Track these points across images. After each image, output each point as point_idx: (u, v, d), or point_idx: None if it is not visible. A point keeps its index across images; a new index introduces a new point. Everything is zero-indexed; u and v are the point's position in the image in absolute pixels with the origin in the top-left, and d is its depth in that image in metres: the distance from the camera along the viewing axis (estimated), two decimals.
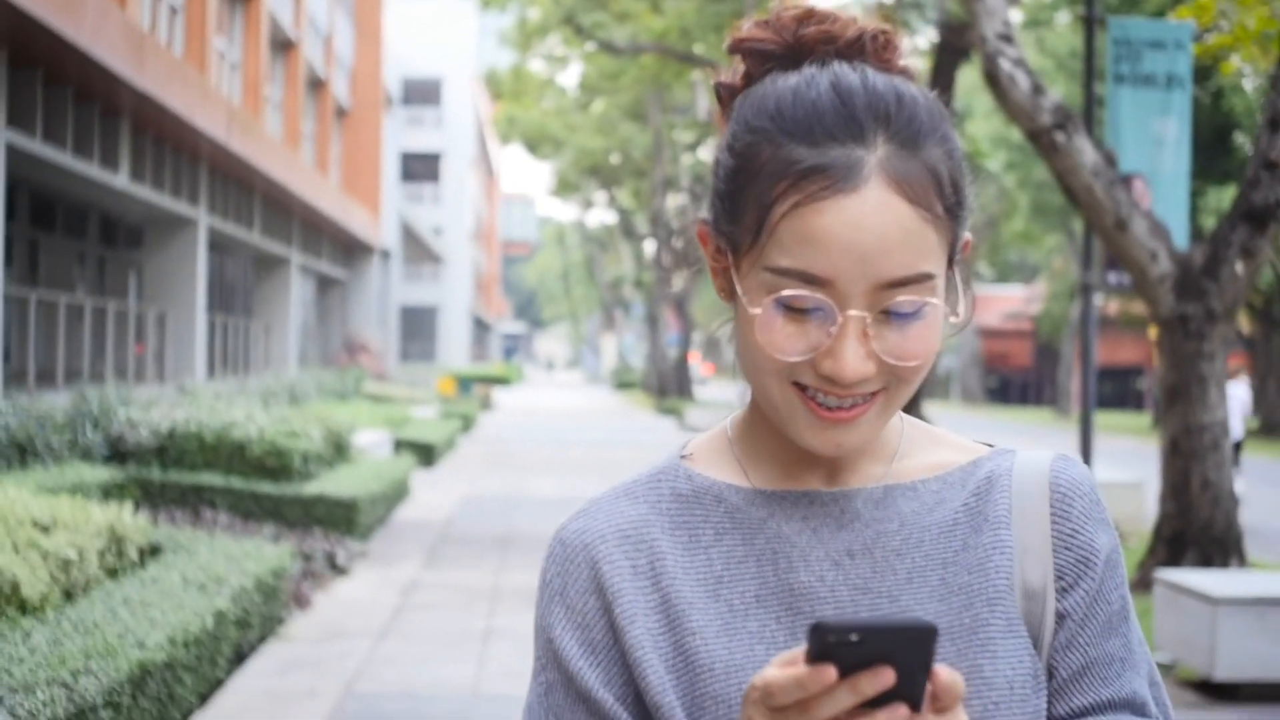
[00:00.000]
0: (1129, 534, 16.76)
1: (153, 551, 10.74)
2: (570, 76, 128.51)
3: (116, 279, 29.49)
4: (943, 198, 1.52)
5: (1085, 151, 12.89)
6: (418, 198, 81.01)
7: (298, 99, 39.69)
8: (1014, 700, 1.56)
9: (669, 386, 61.20)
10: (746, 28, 1.64)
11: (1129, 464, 28.58)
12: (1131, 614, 1.67)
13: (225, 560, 10.50)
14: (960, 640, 1.58)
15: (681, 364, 61.73)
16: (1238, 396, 22.58)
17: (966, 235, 1.61)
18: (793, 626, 1.59)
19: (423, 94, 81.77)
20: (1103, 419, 50.79)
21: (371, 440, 23.48)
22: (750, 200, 1.54)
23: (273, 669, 9.92)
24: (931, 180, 1.51)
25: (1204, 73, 26.29)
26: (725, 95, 1.66)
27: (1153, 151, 14.90)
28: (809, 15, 1.61)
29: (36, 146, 19.13)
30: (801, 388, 1.54)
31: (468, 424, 39.09)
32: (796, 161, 1.49)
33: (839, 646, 1.29)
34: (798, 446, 1.61)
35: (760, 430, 1.69)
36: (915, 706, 1.33)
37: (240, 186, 32.46)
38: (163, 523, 13.37)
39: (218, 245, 33.17)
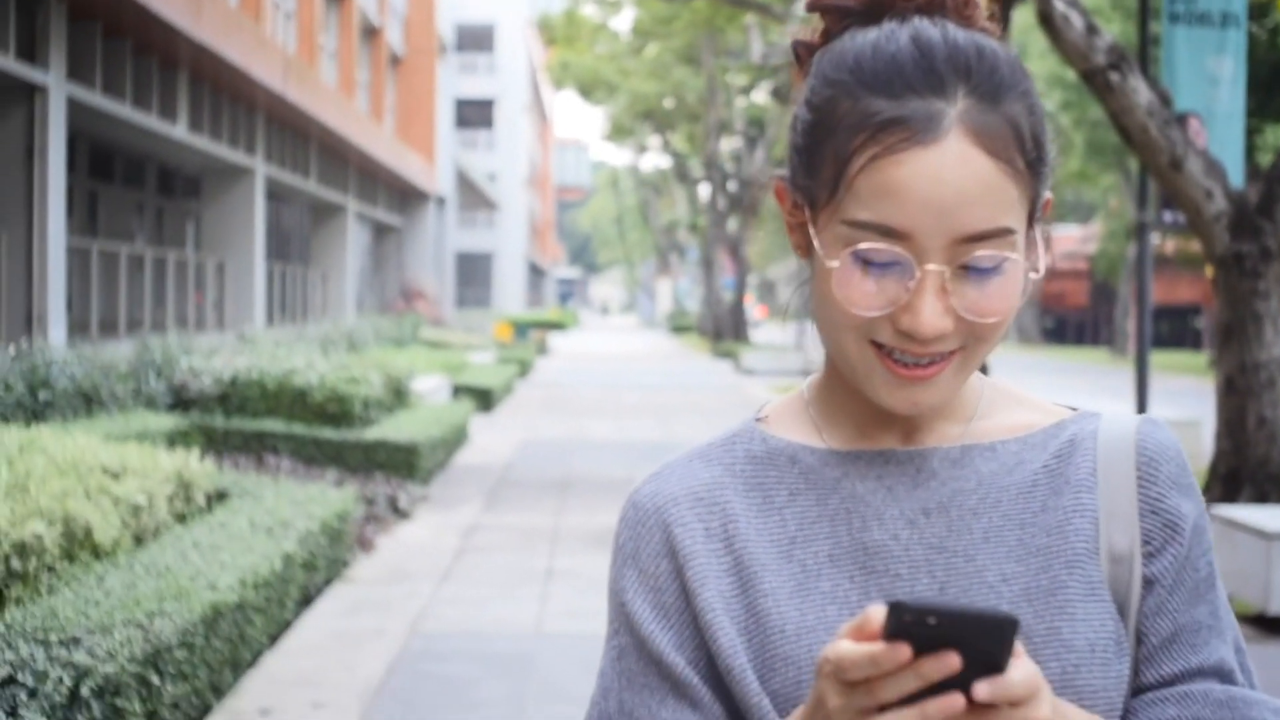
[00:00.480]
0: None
1: (219, 497, 10.93)
2: (623, 21, 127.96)
3: (175, 229, 29.73)
4: (1024, 152, 1.51)
5: (1140, 91, 12.88)
6: (472, 144, 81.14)
7: (352, 47, 39.80)
8: (1095, 663, 1.55)
9: (724, 330, 61.22)
10: None
11: (1185, 403, 28.59)
12: (1218, 581, 1.66)
13: (290, 505, 10.67)
14: (1038, 602, 1.56)
15: (737, 307, 61.75)
16: None
17: (1047, 194, 1.59)
18: (866, 586, 1.59)
19: (476, 40, 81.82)
20: (1159, 358, 50.62)
21: (430, 386, 23.65)
22: (828, 154, 1.53)
23: (340, 610, 10.11)
24: (1013, 134, 1.50)
25: (1261, 9, 26.15)
26: (803, 53, 1.65)
27: (1208, 90, 14.86)
28: None
29: (97, 99, 19.33)
30: (879, 345, 1.52)
31: (524, 369, 39.25)
32: (875, 113, 1.48)
33: (915, 627, 1.28)
34: (874, 406, 1.61)
35: (836, 391, 1.69)
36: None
37: (296, 135, 32.65)
38: (227, 469, 13.57)
39: (275, 194, 33.38)
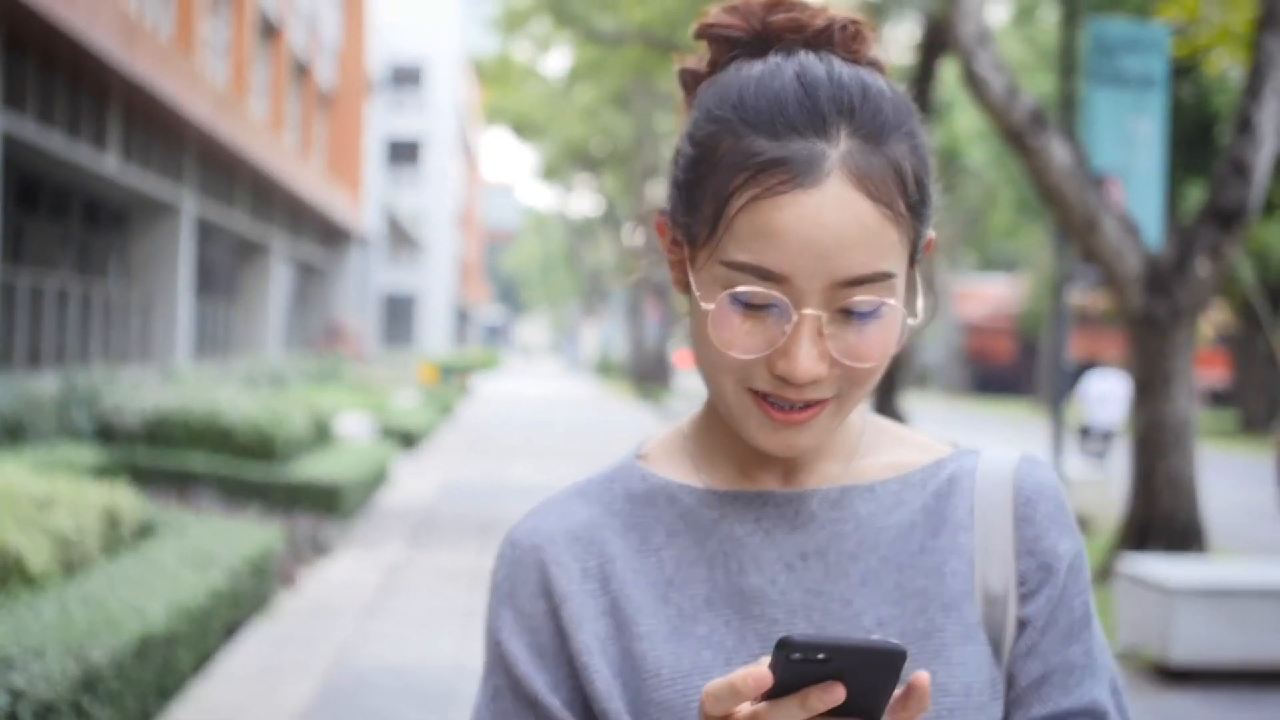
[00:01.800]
0: (1101, 528, 17.17)
1: (145, 530, 11.03)
2: (555, 61, 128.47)
3: (100, 262, 29.71)
4: (906, 195, 1.49)
5: (1057, 152, 13.21)
6: (398, 183, 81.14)
7: (283, 84, 39.90)
8: (970, 707, 1.54)
9: (649, 374, 61.47)
10: (714, 12, 1.60)
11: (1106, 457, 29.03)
12: (1094, 620, 1.65)
13: (216, 539, 10.80)
14: (914, 645, 1.54)
15: (661, 352, 62.00)
16: (1106, 387, 24.30)
17: (930, 234, 1.58)
18: (742, 630, 1.57)
19: (405, 78, 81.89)
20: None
21: (353, 425, 23.75)
22: (708, 191, 1.50)
23: (264, 643, 10.23)
24: (895, 176, 1.48)
25: (1188, 70, 26.61)
26: (690, 82, 1.63)
27: (1127, 151, 15.22)
28: (779, 2, 1.57)
29: (30, 130, 19.39)
30: (754, 390, 1.52)
31: (447, 411, 39.36)
32: (757, 153, 1.46)
33: (804, 664, 1.27)
34: (753, 446, 1.59)
35: (716, 429, 1.67)
36: None
37: (225, 171, 32.70)
38: (151, 503, 13.66)
39: (202, 229, 33.43)
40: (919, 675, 1.30)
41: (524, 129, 57.99)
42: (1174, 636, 9.85)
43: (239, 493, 15.73)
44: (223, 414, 16.64)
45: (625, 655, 1.57)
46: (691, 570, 1.60)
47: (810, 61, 1.51)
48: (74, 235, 28.11)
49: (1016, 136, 13.34)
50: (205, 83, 27.20)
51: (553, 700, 1.57)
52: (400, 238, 76.77)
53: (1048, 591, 1.59)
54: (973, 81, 13.53)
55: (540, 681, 1.58)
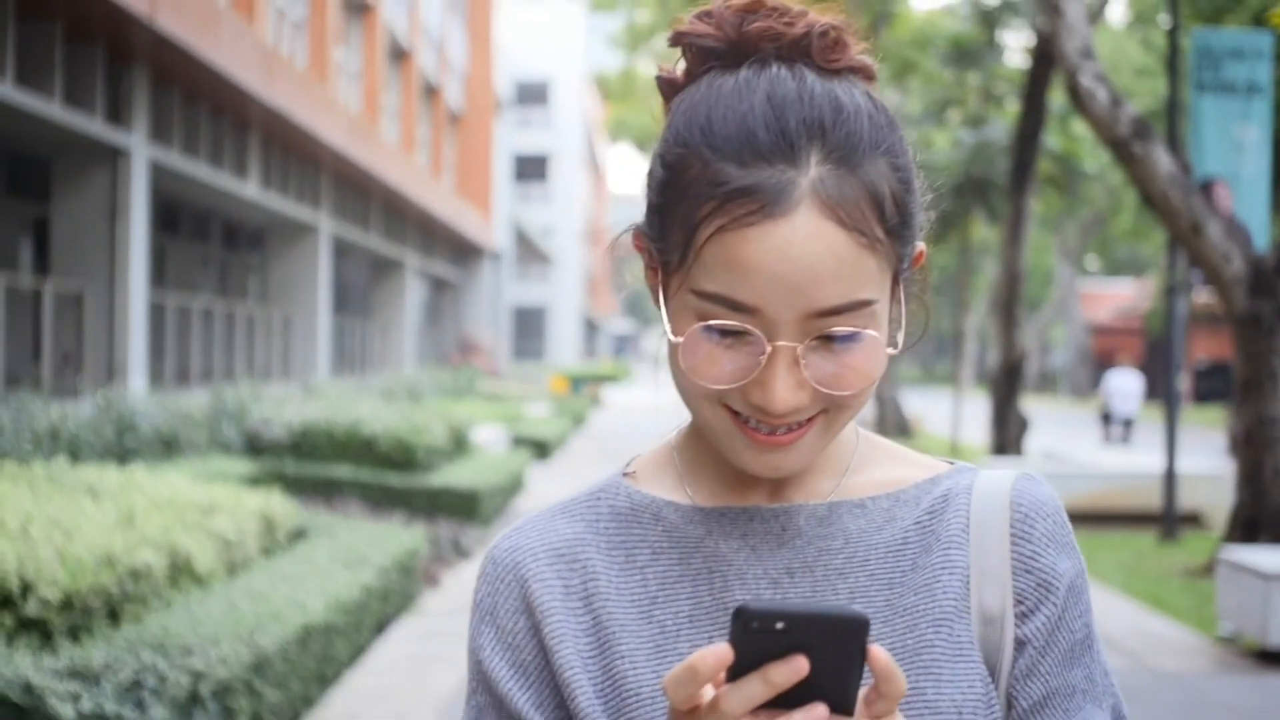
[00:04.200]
0: (1214, 522, 17.59)
1: (298, 534, 11.80)
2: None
3: (238, 283, 30.70)
4: (883, 220, 1.42)
5: (1161, 161, 13.64)
6: (527, 198, 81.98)
7: (413, 106, 40.81)
8: None
9: None
10: (689, 19, 1.54)
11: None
12: (1096, 643, 1.61)
13: (365, 542, 11.54)
14: (904, 662, 1.51)
15: None
16: (1124, 383, 28.81)
17: (919, 246, 1.53)
18: None
19: (531, 95, 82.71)
20: (1210, 414, 51.02)
21: (488, 436, 24.47)
22: (678, 218, 1.45)
23: (412, 637, 10.97)
24: (870, 202, 1.41)
25: None
26: (668, 91, 1.58)
27: (1234, 156, 15.55)
28: (755, 7, 1.50)
29: (175, 160, 20.35)
30: (735, 412, 1.48)
31: (579, 420, 39.98)
32: (724, 182, 1.40)
33: (762, 635, 1.23)
34: (739, 468, 1.55)
35: (702, 445, 1.64)
36: (846, 706, 1.27)
37: (359, 192, 33.68)
38: (301, 509, 14.44)
39: (338, 249, 34.33)
40: (875, 650, 1.25)
41: (648, 144, 58.58)
42: (1273, 620, 10.34)
43: (382, 500, 16.51)
44: (365, 426, 17.43)
45: (607, 674, 1.54)
46: (676, 587, 1.57)
47: (782, 79, 1.45)
48: (216, 258, 29.15)
49: (1121, 146, 13.79)
50: (339, 108, 28.15)
51: (536, 717, 1.55)
52: (529, 252, 77.63)
53: (1046, 610, 1.56)
54: (1077, 94, 14.02)
55: (523, 700, 1.56)
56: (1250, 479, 13.80)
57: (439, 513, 16.63)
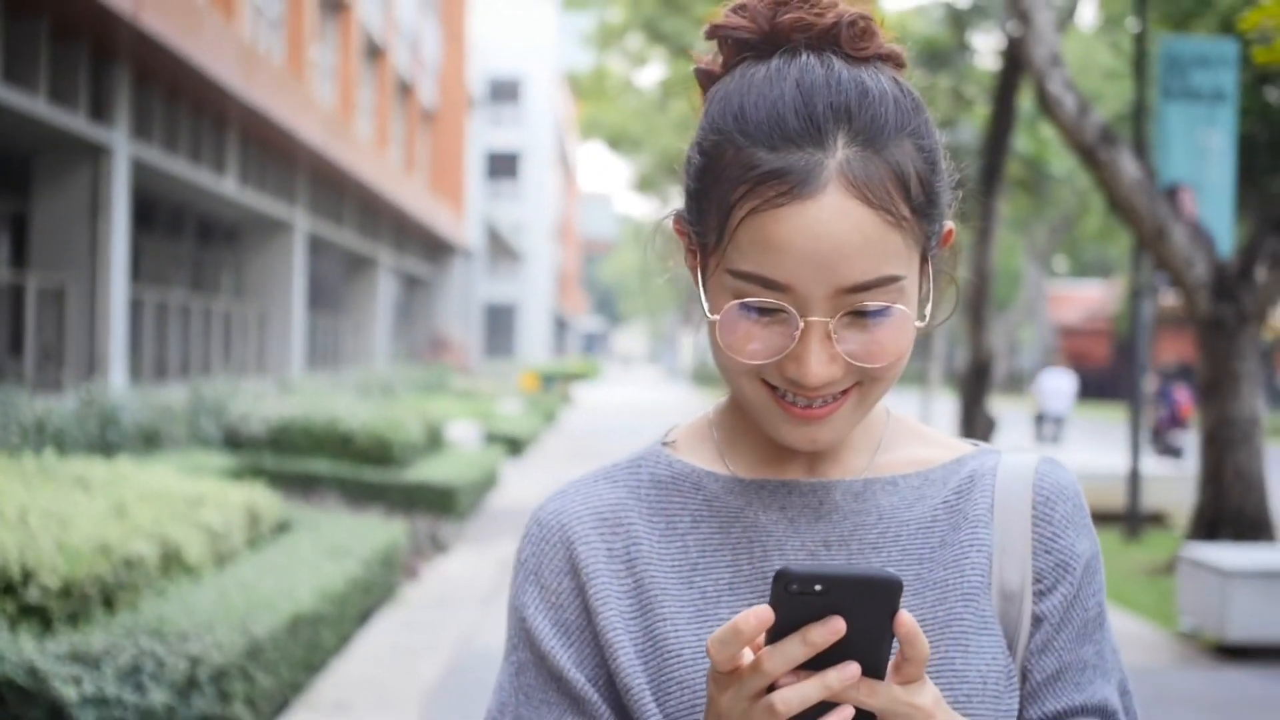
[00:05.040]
0: (1177, 521, 17.92)
1: (282, 527, 12.04)
2: (649, 74, 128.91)
3: (212, 278, 30.82)
4: (909, 199, 1.49)
5: (1126, 167, 13.91)
6: (498, 195, 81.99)
7: (387, 103, 40.96)
8: (986, 695, 1.56)
9: None
10: (724, 12, 1.61)
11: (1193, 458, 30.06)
12: (1107, 621, 1.67)
13: (347, 534, 11.80)
14: (933, 634, 1.57)
15: None
16: (1057, 383, 30.85)
17: (948, 225, 1.60)
18: None
19: (503, 93, 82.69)
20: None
21: (461, 432, 24.71)
22: (714, 202, 1.52)
23: (395, 627, 11.24)
24: (896, 181, 1.48)
25: (1275, 77, 26.49)
26: (705, 82, 1.64)
27: (1199, 162, 15.79)
28: (786, 0, 1.57)
29: (156, 157, 20.53)
30: (773, 386, 1.54)
31: (550, 418, 40.17)
32: (755, 166, 1.47)
33: (801, 597, 1.29)
34: (776, 440, 1.60)
35: (740, 418, 1.69)
36: (878, 668, 1.34)
37: (334, 189, 33.82)
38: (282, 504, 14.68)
39: (312, 246, 34.44)
40: (901, 614, 1.32)
41: (619, 142, 58.73)
42: (1230, 616, 10.69)
43: (360, 495, 16.75)
44: (342, 421, 17.67)
45: (648, 635, 1.59)
46: (716, 555, 1.62)
47: (811, 66, 1.52)
48: (192, 254, 29.26)
49: (1088, 152, 14.05)
50: (316, 105, 28.29)
51: (577, 675, 1.59)
52: (500, 249, 77.70)
53: (1063, 589, 1.63)
54: (1046, 101, 14.29)
55: (564, 657, 1.60)
56: (1212, 479, 14.08)
57: (415, 508, 16.88)
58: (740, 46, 1.58)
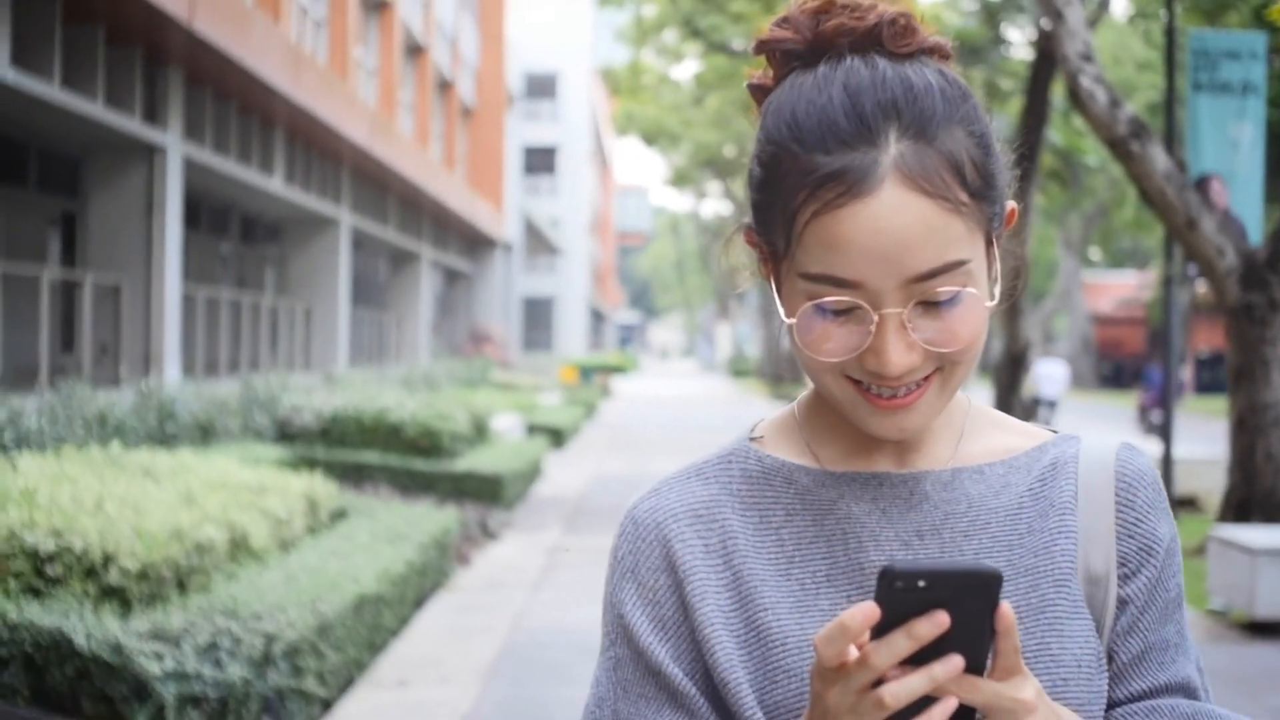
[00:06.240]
0: (1208, 504, 18.20)
1: (339, 514, 12.47)
2: (684, 70, 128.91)
3: (256, 275, 31.21)
4: (966, 184, 1.51)
5: (1157, 159, 14.21)
6: (535, 190, 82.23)
7: (427, 101, 41.26)
8: (1081, 678, 1.59)
9: (784, 374, 62.19)
10: (769, 28, 1.63)
11: (1222, 443, 30.37)
12: (1184, 602, 1.70)
13: (402, 521, 12.27)
14: (1028, 620, 1.59)
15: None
16: (1050, 369, 32.42)
17: (1010, 204, 1.62)
18: None
19: (540, 89, 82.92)
20: (1209, 403, 51.38)
21: (505, 424, 25.14)
22: (778, 210, 1.55)
23: (450, 610, 11.70)
24: (950, 169, 1.50)
25: None
26: (758, 97, 1.67)
27: (1229, 154, 16.05)
28: (827, 7, 1.60)
29: (207, 156, 20.98)
30: (856, 380, 1.55)
31: (590, 409, 40.54)
32: (813, 170, 1.50)
33: (905, 593, 1.31)
34: (864, 431, 1.62)
35: (827, 412, 1.70)
36: (978, 661, 1.36)
37: (377, 186, 34.23)
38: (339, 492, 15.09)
39: (356, 242, 34.79)
40: (1004, 609, 1.36)
41: (655, 137, 58.92)
42: (1259, 594, 11.07)
43: (410, 484, 17.19)
44: (391, 413, 18.11)
45: (750, 627, 1.60)
46: (811, 547, 1.64)
47: (856, 68, 1.54)
48: (237, 251, 29.69)
49: (1119, 145, 14.35)
50: (359, 104, 28.70)
51: (675, 670, 1.60)
52: (538, 243, 77.88)
53: (1147, 573, 1.66)
54: (1078, 95, 14.58)
55: (662, 652, 1.61)
56: (1242, 463, 14.40)
57: (464, 497, 17.31)
58: (788, 58, 1.61)
